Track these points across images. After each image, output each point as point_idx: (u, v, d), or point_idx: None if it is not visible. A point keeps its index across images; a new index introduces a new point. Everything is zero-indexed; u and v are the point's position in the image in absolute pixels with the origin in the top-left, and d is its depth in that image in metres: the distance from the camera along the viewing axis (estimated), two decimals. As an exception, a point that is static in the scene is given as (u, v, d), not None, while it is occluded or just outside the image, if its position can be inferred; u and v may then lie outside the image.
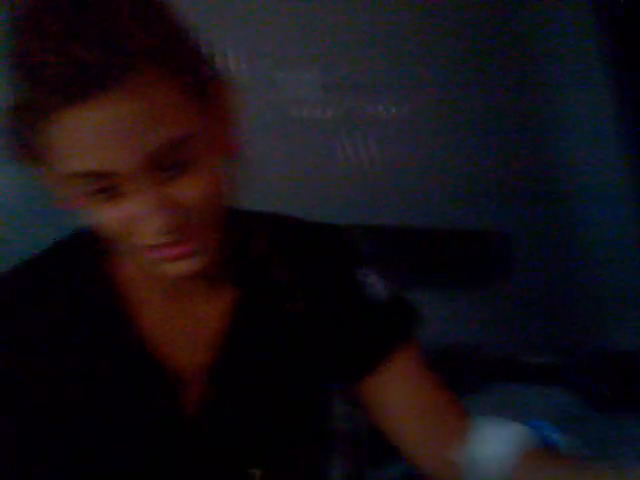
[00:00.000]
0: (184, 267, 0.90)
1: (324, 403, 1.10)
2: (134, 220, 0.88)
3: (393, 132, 2.97)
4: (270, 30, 2.69)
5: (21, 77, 0.86)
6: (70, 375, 0.97)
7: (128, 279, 1.01)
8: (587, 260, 3.36)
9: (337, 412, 1.12)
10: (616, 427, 2.30)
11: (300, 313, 1.05)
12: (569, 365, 2.78)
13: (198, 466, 0.98)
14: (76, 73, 0.81)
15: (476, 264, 3.25)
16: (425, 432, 1.07)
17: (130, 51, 0.83)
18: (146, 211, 0.86)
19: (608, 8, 3.03)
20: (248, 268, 1.04)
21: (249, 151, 0.97)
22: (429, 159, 3.16)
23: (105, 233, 0.91)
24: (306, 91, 2.74)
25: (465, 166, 3.29)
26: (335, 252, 1.11)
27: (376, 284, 1.12)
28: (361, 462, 2.15)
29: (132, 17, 0.84)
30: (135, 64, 0.83)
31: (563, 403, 2.48)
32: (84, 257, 1.01)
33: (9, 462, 0.95)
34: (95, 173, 0.85)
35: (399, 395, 1.08)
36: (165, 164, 0.86)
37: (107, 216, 0.88)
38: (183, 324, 1.01)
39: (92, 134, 0.83)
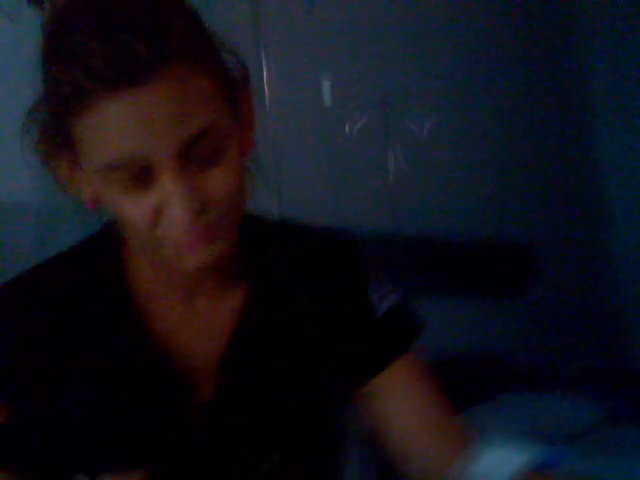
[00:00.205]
0: (203, 257, 0.93)
1: (334, 402, 1.10)
2: (162, 209, 0.90)
3: (417, 143, 3.00)
4: (311, 39, 2.73)
5: (62, 68, 0.88)
6: (83, 371, 1.00)
7: (142, 276, 1.03)
8: (612, 272, 3.35)
9: (351, 414, 1.13)
10: (632, 439, 2.29)
11: (307, 313, 1.07)
12: (589, 376, 2.76)
13: (211, 460, 1.01)
14: (122, 61, 0.84)
15: (499, 274, 3.25)
16: (423, 443, 1.08)
17: (172, 41, 0.86)
18: (176, 199, 0.89)
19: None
20: (259, 267, 1.07)
21: (262, 151, 1.01)
22: (453, 170, 3.18)
23: (128, 227, 0.93)
24: (341, 102, 2.77)
25: (491, 177, 3.30)
26: (344, 258, 1.12)
27: (383, 293, 1.13)
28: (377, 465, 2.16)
29: (172, 8, 0.89)
30: (176, 53, 0.86)
31: (582, 413, 2.46)
32: (102, 254, 1.04)
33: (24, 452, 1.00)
34: (130, 160, 0.88)
35: (397, 406, 1.09)
36: (196, 153, 0.89)
37: (134, 207, 0.90)
38: (195, 321, 1.04)
39: (132, 121, 0.86)
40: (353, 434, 1.15)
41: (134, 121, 0.86)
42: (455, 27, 3.10)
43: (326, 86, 2.76)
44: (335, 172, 2.88)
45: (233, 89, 0.95)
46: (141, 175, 0.89)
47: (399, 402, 1.10)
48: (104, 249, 1.04)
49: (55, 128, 0.93)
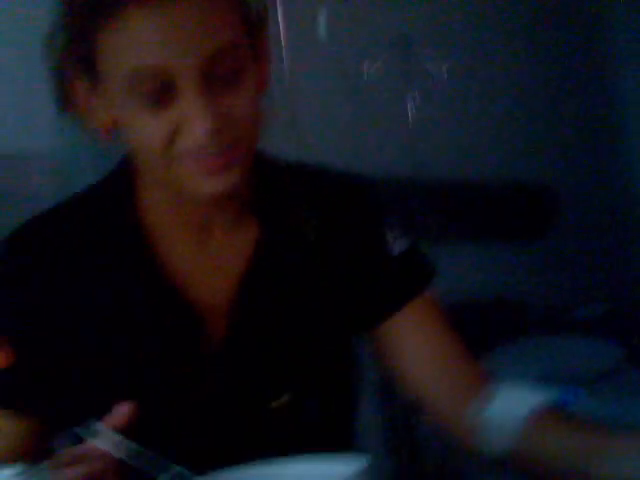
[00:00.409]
0: (219, 183, 0.94)
1: (347, 342, 1.11)
2: (180, 126, 0.92)
3: (445, 88, 2.97)
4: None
5: None
6: (96, 307, 1.01)
7: (155, 213, 1.04)
8: (632, 214, 3.33)
9: (364, 358, 1.14)
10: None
11: (321, 252, 1.08)
12: (608, 319, 2.77)
13: (224, 398, 1.02)
14: None
15: (522, 217, 3.24)
16: (439, 385, 1.09)
17: None
18: (196, 113, 0.90)
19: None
20: (272, 206, 1.07)
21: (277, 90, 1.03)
22: (478, 114, 3.15)
23: (144, 149, 0.94)
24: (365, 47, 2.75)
25: (515, 120, 3.28)
26: (359, 200, 1.13)
27: (397, 234, 1.13)
28: (394, 413, 2.18)
29: None
30: None
31: (601, 356, 2.46)
32: (116, 192, 1.05)
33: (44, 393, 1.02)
34: (154, 70, 0.90)
35: (413, 345, 1.09)
36: (217, 72, 0.91)
37: (152, 124, 0.92)
38: (207, 259, 1.04)
39: (158, 31, 0.89)
40: (366, 378, 1.16)
41: (160, 32, 0.89)
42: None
43: (338, 26, 2.74)
44: (353, 115, 2.86)
45: (252, 22, 0.97)
46: (162, 90, 0.91)
47: (415, 342, 1.11)
48: (117, 187, 1.05)
49: (76, 46, 0.94)
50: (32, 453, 1.01)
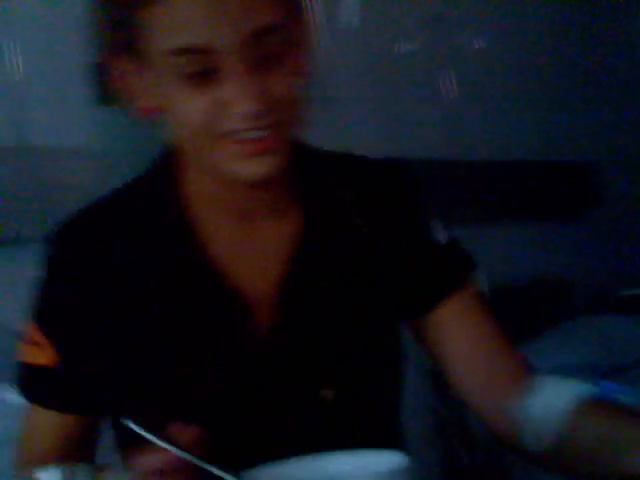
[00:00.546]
0: (260, 166, 0.94)
1: (392, 332, 1.11)
2: (225, 104, 0.92)
3: (481, 64, 2.95)
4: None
5: None
6: (145, 299, 1.02)
7: (199, 201, 1.04)
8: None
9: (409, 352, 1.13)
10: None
11: (365, 241, 1.07)
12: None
13: (270, 388, 1.02)
14: None
15: (567, 195, 3.21)
16: (480, 376, 1.09)
17: None
18: (239, 94, 0.91)
19: None
20: (314, 194, 1.07)
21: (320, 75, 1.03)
22: (517, 90, 3.12)
23: (186, 128, 0.94)
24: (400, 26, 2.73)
25: (554, 96, 3.24)
26: (403, 188, 1.12)
27: (440, 225, 1.13)
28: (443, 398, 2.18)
29: None
30: None
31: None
32: (160, 182, 1.05)
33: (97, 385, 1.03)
34: (197, 49, 0.90)
35: (456, 337, 1.09)
36: (261, 51, 0.92)
37: (195, 101, 0.92)
38: (252, 247, 1.05)
39: (201, 10, 0.89)
40: (417, 368, 1.15)
41: (205, 10, 0.89)
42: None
43: (370, 8, 2.72)
44: (387, 96, 2.85)
45: (293, 6, 0.98)
46: (206, 70, 0.91)
47: (457, 333, 1.10)
48: (161, 177, 1.05)
49: (120, 26, 0.94)
50: (72, 452, 1.03)
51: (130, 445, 1.03)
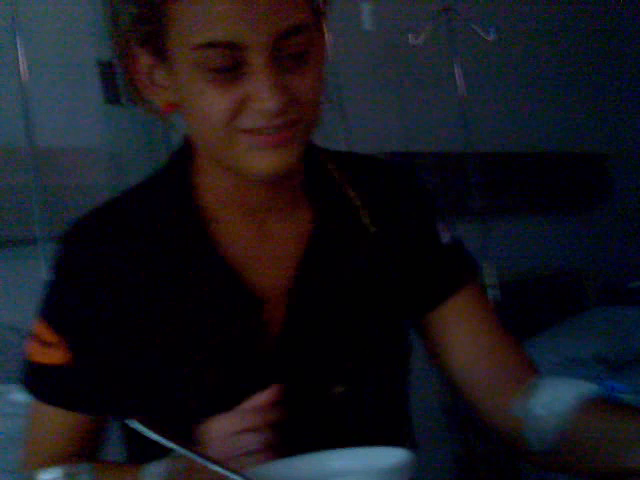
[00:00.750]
0: (275, 159, 0.95)
1: (400, 328, 1.11)
2: (246, 100, 0.93)
3: (494, 52, 2.94)
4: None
5: None
6: (159, 297, 1.02)
7: (213, 201, 1.04)
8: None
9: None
10: None
11: (374, 238, 1.08)
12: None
13: (282, 382, 0.98)
14: None
15: (577, 187, 3.20)
16: (483, 374, 1.09)
17: None
18: (264, 90, 0.92)
19: None
20: (325, 194, 1.08)
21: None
22: (522, 81, 3.12)
23: (205, 123, 0.95)
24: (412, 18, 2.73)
25: (564, 88, 3.23)
26: (411, 187, 1.13)
27: (445, 225, 1.14)
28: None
29: None
30: None
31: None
32: (173, 182, 1.06)
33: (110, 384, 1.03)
34: (226, 43, 0.90)
35: (459, 336, 1.10)
36: (287, 50, 0.93)
37: (218, 97, 0.92)
38: (264, 246, 1.05)
39: (232, 5, 0.90)
40: (429, 365, 1.15)
41: (240, 4, 0.90)
42: None
43: (366, 9, 2.72)
44: (402, 88, 2.85)
45: (318, 5, 0.99)
46: (233, 63, 0.92)
47: (461, 332, 1.10)
48: (175, 175, 1.06)
49: (145, 20, 0.94)
50: (79, 451, 1.03)
51: (137, 446, 1.04)
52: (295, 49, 0.93)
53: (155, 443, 0.84)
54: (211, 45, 0.91)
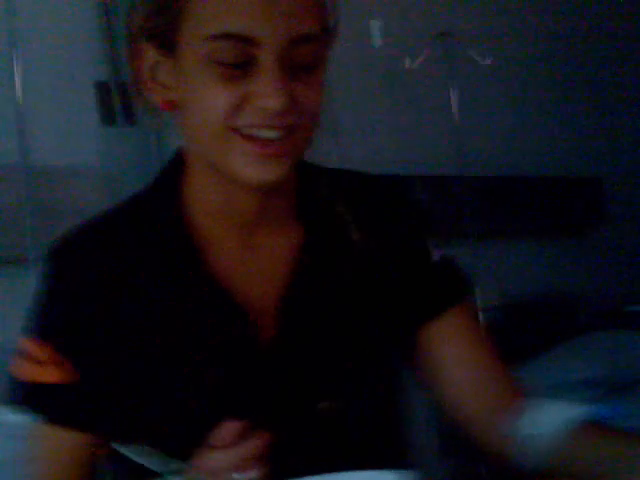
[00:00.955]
0: (269, 170, 0.95)
1: (389, 345, 1.10)
2: (250, 98, 0.93)
3: (489, 78, 2.95)
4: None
5: None
6: (148, 312, 1.01)
7: (203, 216, 1.04)
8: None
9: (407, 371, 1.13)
10: None
11: (363, 255, 1.08)
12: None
13: (269, 399, 1.02)
14: None
15: (572, 210, 3.21)
16: (472, 394, 1.09)
17: None
18: (270, 88, 0.92)
19: None
20: (315, 210, 1.08)
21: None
22: (523, 105, 3.13)
23: (205, 121, 0.95)
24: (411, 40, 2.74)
25: (558, 112, 3.25)
26: (402, 204, 1.13)
27: (434, 242, 1.14)
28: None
29: None
30: None
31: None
32: (162, 195, 1.06)
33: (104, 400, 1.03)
34: (242, 37, 0.92)
35: (449, 354, 1.09)
36: (297, 57, 0.94)
37: (222, 93, 0.93)
38: (253, 261, 1.05)
39: (254, 1, 0.91)
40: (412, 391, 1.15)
41: (262, 1, 0.92)
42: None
43: (376, 26, 2.73)
44: (396, 109, 2.86)
45: (330, 23, 1.00)
46: (243, 58, 0.93)
47: (451, 350, 1.10)
48: (164, 190, 1.06)
49: (161, 10, 0.96)
50: (81, 469, 1.02)
51: (126, 474, 1.03)
52: (304, 58, 0.95)
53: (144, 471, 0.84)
54: (226, 36, 0.92)
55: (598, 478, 0.98)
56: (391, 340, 1.11)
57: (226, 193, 1.02)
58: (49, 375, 1.01)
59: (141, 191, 1.08)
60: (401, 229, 1.12)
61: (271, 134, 0.94)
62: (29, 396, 1.03)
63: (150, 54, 0.98)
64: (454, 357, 1.10)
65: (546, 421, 1.02)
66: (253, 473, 0.84)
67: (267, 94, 0.93)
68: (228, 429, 0.87)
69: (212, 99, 0.94)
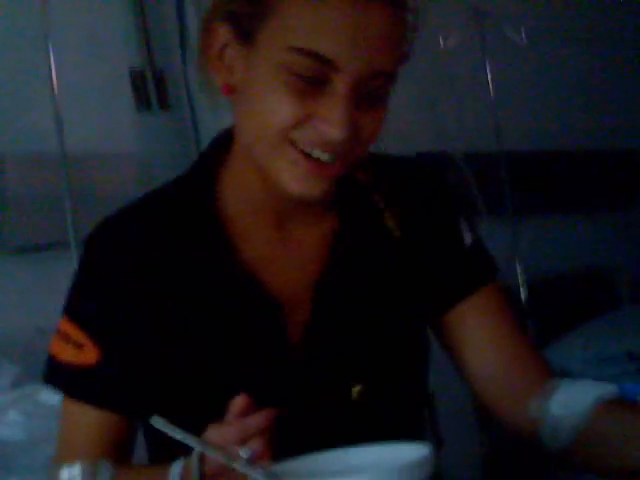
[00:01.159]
0: (315, 188, 0.95)
1: (419, 328, 1.11)
2: (314, 116, 0.93)
3: (525, 52, 2.93)
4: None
5: None
6: (181, 301, 1.02)
7: (237, 207, 1.05)
8: None
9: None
10: None
11: (397, 241, 1.08)
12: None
13: (303, 386, 1.03)
14: None
15: (612, 184, 3.18)
16: (500, 375, 1.09)
17: None
18: (337, 117, 0.92)
19: None
20: (348, 196, 1.08)
21: None
22: (555, 81, 3.10)
23: (266, 124, 0.94)
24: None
25: (607, 84, 3.21)
26: (435, 187, 1.13)
27: (467, 225, 1.14)
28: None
29: None
30: None
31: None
32: (197, 184, 1.05)
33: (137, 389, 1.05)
34: (323, 58, 0.91)
35: (477, 335, 1.09)
36: (368, 90, 0.94)
37: (287, 105, 0.93)
38: (286, 251, 1.05)
39: (346, 27, 0.91)
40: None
41: (351, 29, 0.91)
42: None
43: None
44: (433, 91, 2.85)
45: (401, 66, 0.99)
46: (318, 78, 0.92)
47: (479, 331, 1.10)
48: (199, 179, 1.06)
49: (255, 1, 0.95)
50: (110, 448, 1.04)
51: (159, 446, 1.05)
52: (375, 91, 0.95)
53: (178, 445, 0.85)
54: (309, 54, 0.91)
55: (625, 455, 0.98)
56: (422, 322, 1.12)
57: (267, 188, 1.02)
58: (85, 357, 1.04)
59: (178, 177, 1.09)
60: (434, 213, 1.12)
61: (325, 157, 0.94)
62: (66, 377, 1.06)
63: (224, 34, 0.97)
64: (483, 339, 1.11)
65: (575, 401, 1.02)
66: (257, 446, 0.83)
67: (333, 122, 0.93)
68: (233, 405, 0.88)
69: (277, 107, 0.94)
